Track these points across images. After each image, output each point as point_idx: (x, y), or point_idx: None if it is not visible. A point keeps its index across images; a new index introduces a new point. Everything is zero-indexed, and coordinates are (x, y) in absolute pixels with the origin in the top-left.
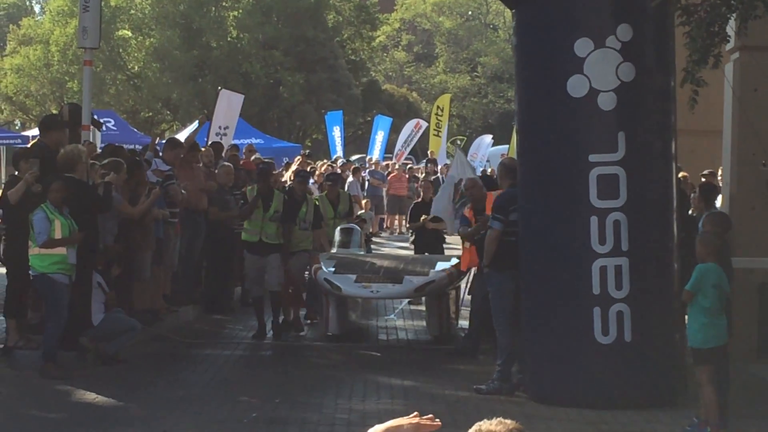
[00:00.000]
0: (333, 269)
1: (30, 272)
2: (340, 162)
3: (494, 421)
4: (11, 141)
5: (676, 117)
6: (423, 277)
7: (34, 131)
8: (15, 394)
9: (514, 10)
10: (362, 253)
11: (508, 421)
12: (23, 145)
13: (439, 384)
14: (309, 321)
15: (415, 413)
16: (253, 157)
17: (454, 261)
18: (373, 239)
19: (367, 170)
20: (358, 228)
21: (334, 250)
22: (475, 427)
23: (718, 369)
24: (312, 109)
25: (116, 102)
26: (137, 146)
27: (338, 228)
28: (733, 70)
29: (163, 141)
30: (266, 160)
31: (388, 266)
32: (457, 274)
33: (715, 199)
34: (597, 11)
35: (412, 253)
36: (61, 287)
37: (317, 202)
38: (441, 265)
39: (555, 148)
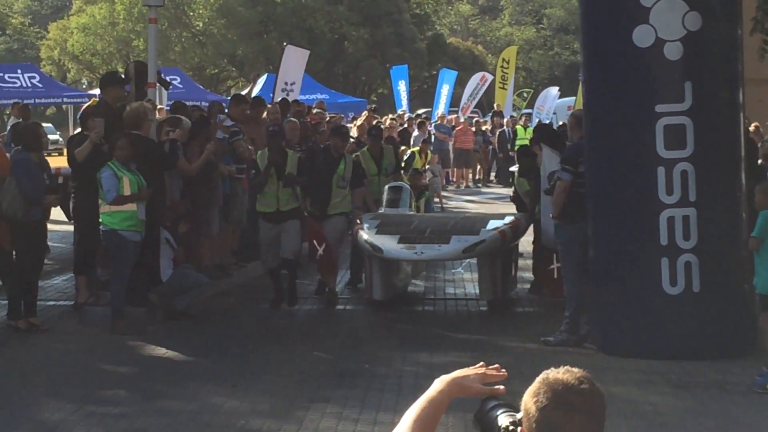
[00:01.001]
0: (375, 230)
1: (101, 229)
2: (406, 116)
3: (561, 369)
4: (78, 100)
5: (744, 66)
6: (473, 236)
7: (95, 91)
8: (86, 349)
9: None
10: (411, 212)
11: (575, 370)
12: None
13: (507, 337)
14: (350, 286)
15: (481, 363)
16: (315, 111)
17: (509, 219)
18: (442, 193)
19: (433, 124)
20: (407, 186)
21: (381, 210)
22: (542, 375)
23: None
24: (377, 64)
25: (182, 59)
26: (203, 103)
27: (386, 186)
28: None
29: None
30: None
31: (435, 225)
32: (512, 233)
33: None
34: None
35: (479, 208)
36: (131, 244)
37: (357, 158)
38: (493, 224)
39: (621, 99)
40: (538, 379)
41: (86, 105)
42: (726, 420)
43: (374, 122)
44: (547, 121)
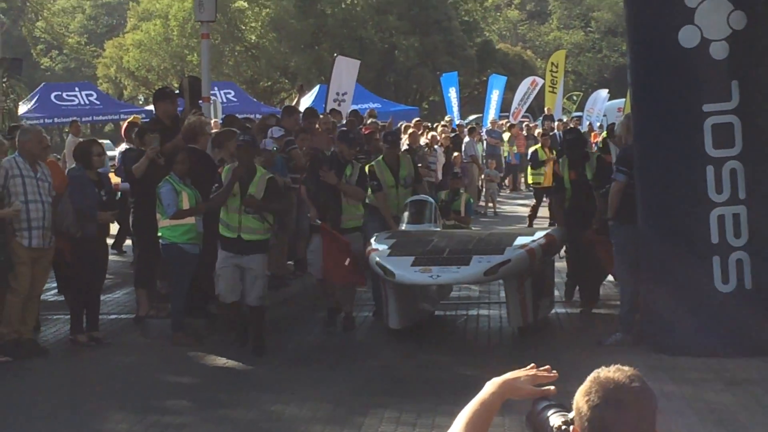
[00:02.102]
0: (388, 251)
1: (160, 242)
2: (454, 123)
3: (612, 368)
4: (134, 113)
5: None
6: (497, 256)
7: (149, 107)
8: (148, 361)
9: None
10: (438, 229)
11: (626, 368)
12: (146, 120)
13: (562, 341)
14: (375, 316)
15: (532, 365)
16: (369, 121)
17: (540, 235)
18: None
19: (485, 129)
20: (432, 200)
21: (403, 227)
22: (594, 374)
23: None
24: (428, 72)
25: (235, 73)
26: (257, 116)
27: (408, 200)
28: None
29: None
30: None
31: (455, 244)
32: (542, 251)
33: None
34: None
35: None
36: (191, 256)
37: (371, 167)
38: (521, 241)
39: (668, 99)
40: (590, 378)
41: (128, 120)
42: None
43: (422, 130)
44: (598, 124)
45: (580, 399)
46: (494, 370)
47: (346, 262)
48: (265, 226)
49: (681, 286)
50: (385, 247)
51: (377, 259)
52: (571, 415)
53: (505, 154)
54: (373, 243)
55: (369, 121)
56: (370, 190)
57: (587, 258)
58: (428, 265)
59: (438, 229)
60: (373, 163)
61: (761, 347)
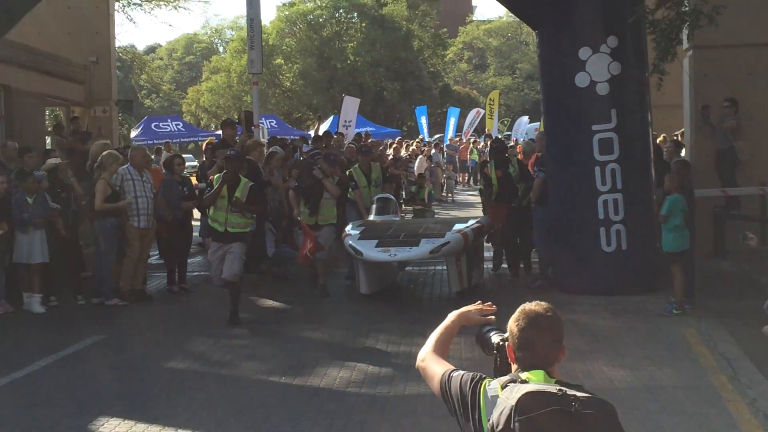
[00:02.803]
0: (359, 236)
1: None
2: (425, 141)
3: (533, 303)
4: (208, 137)
5: (650, 96)
6: (439, 239)
7: (218, 132)
8: (220, 303)
9: (537, 30)
10: (396, 219)
11: (543, 303)
12: (216, 140)
13: (492, 294)
14: (348, 281)
15: (479, 302)
16: (370, 140)
17: (472, 222)
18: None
19: (445, 144)
20: (393, 198)
21: (371, 217)
22: (521, 307)
23: (685, 265)
24: (406, 106)
25: (276, 108)
26: (291, 137)
27: (375, 197)
28: (690, 64)
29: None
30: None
31: (408, 230)
32: (473, 234)
33: (681, 150)
34: (593, 27)
35: (476, 197)
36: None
37: (350, 172)
38: (458, 227)
39: (569, 122)
40: (518, 309)
41: (206, 141)
42: (647, 333)
43: (404, 145)
44: (521, 140)
45: (512, 324)
46: (443, 316)
47: (307, 250)
48: (247, 220)
49: (579, 248)
50: (357, 232)
51: (350, 242)
52: (505, 335)
53: (470, 161)
54: (348, 229)
55: (370, 141)
56: (351, 189)
57: (511, 237)
58: (388, 246)
59: (397, 219)
60: (351, 168)
61: (633, 289)
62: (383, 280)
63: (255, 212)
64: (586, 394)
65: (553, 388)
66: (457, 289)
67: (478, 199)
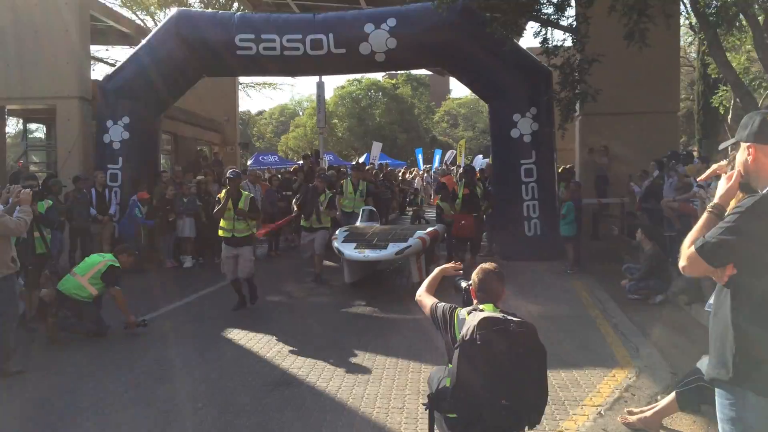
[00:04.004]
0: (343, 239)
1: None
2: (420, 169)
3: (487, 263)
4: (293, 165)
5: (556, 142)
6: (403, 243)
7: (300, 162)
8: (298, 264)
9: (488, 103)
10: (377, 225)
11: (493, 264)
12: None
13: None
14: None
15: (453, 263)
16: (388, 168)
17: (429, 229)
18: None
19: (433, 171)
20: (374, 209)
21: (358, 223)
22: (479, 266)
23: (574, 244)
24: (410, 148)
25: (333, 148)
26: (344, 166)
27: (362, 208)
28: (580, 124)
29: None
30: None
31: (381, 236)
32: (430, 239)
33: (573, 176)
34: (521, 101)
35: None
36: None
37: (340, 189)
38: (418, 234)
39: (506, 158)
40: (478, 267)
41: (293, 168)
42: (551, 283)
43: (401, 172)
44: (478, 168)
45: (474, 275)
46: (407, 296)
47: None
48: (249, 226)
49: (513, 232)
50: (342, 237)
51: (335, 244)
52: (469, 282)
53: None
54: (337, 233)
55: (389, 169)
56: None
57: (474, 233)
58: (363, 248)
59: (377, 225)
60: (344, 180)
61: (544, 257)
62: (362, 272)
63: (254, 218)
64: (518, 319)
65: (499, 315)
66: (416, 280)
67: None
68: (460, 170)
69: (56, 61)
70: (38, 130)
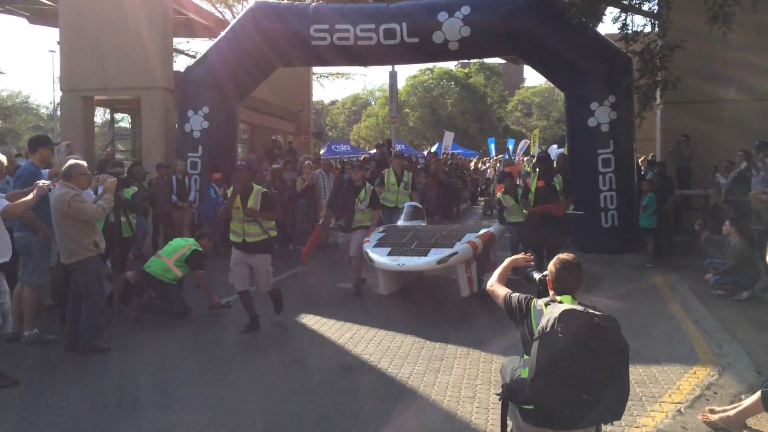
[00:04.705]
0: (376, 242)
1: None
2: (495, 159)
3: (565, 254)
4: (363, 154)
5: (635, 131)
6: (447, 249)
7: (372, 151)
8: None
9: (564, 92)
10: (423, 225)
11: (571, 254)
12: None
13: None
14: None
15: (523, 254)
16: (459, 158)
17: (482, 231)
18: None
19: (502, 163)
20: (420, 206)
21: (400, 222)
22: (557, 256)
23: (655, 238)
24: (482, 138)
25: (404, 138)
26: (416, 155)
27: (405, 204)
28: (661, 113)
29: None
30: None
31: (422, 239)
32: (481, 243)
33: (664, 167)
34: (599, 90)
35: None
36: None
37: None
38: (467, 237)
39: (583, 148)
40: (555, 257)
41: (363, 157)
42: (629, 278)
43: (472, 162)
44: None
45: (551, 266)
46: (456, 312)
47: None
48: (264, 228)
49: (590, 224)
50: (376, 238)
51: (366, 248)
52: (544, 273)
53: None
54: (371, 235)
55: (459, 157)
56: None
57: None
58: (399, 255)
59: (423, 224)
60: (386, 170)
61: (622, 250)
62: (400, 283)
63: (270, 219)
64: (601, 313)
65: (580, 308)
66: (466, 294)
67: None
68: (533, 159)
69: (141, 54)
70: (123, 120)
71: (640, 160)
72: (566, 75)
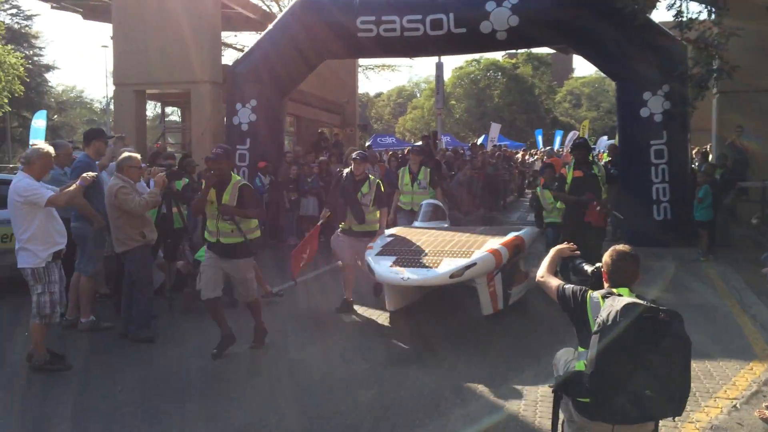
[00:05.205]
0: (379, 250)
1: None
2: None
3: (620, 245)
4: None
5: (689, 122)
6: (464, 259)
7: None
8: None
9: (616, 81)
10: (444, 226)
11: (627, 246)
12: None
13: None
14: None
15: (566, 243)
16: (505, 149)
17: (508, 237)
18: None
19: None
20: (440, 204)
21: (416, 223)
22: (613, 247)
23: (710, 231)
24: (529, 129)
25: (450, 130)
26: (462, 147)
27: (423, 202)
28: (717, 102)
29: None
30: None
31: (434, 247)
32: (507, 251)
33: (708, 158)
34: (653, 78)
35: None
36: None
37: (380, 181)
38: (490, 244)
39: (635, 139)
40: (611, 249)
41: (407, 149)
42: (683, 271)
43: (517, 154)
44: (603, 151)
45: (606, 257)
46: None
47: (302, 262)
48: (242, 229)
49: (643, 217)
50: (380, 244)
51: (367, 257)
52: (599, 264)
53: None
54: (376, 240)
55: (503, 149)
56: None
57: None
58: (404, 266)
59: (444, 225)
60: (401, 168)
61: (674, 243)
62: (411, 296)
63: (250, 217)
64: (665, 307)
65: (643, 301)
66: (488, 312)
67: None
68: (567, 148)
69: (191, 48)
70: (174, 113)
71: (693, 152)
72: (618, 64)
